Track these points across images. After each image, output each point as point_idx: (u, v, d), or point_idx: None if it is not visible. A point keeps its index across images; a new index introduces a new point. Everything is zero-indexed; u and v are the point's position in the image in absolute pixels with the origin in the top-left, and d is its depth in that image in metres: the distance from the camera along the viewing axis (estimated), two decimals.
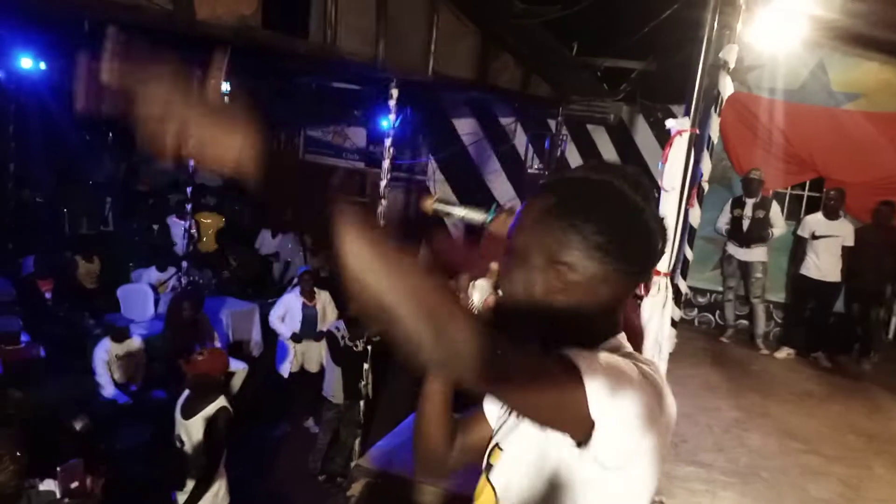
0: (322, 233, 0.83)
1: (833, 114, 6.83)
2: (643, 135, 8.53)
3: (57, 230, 9.75)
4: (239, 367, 6.48)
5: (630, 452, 0.98)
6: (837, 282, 6.62)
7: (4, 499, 2.37)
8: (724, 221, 7.03)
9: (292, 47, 4.64)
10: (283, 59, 5.51)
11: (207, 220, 9.91)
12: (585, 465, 0.98)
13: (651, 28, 5.68)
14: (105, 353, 6.10)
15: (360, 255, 0.81)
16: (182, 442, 4.20)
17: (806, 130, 6.91)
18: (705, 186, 3.68)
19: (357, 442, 5.91)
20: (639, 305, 3.18)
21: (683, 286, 3.70)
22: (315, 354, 6.86)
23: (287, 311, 6.94)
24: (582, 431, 0.94)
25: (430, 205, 1.72)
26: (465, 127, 9.56)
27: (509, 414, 1.21)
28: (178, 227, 9.31)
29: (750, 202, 6.79)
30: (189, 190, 7.87)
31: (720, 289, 7.34)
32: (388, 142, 5.72)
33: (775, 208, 6.80)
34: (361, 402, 5.88)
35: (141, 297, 7.80)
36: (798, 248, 6.94)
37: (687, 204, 3.40)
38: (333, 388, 6.12)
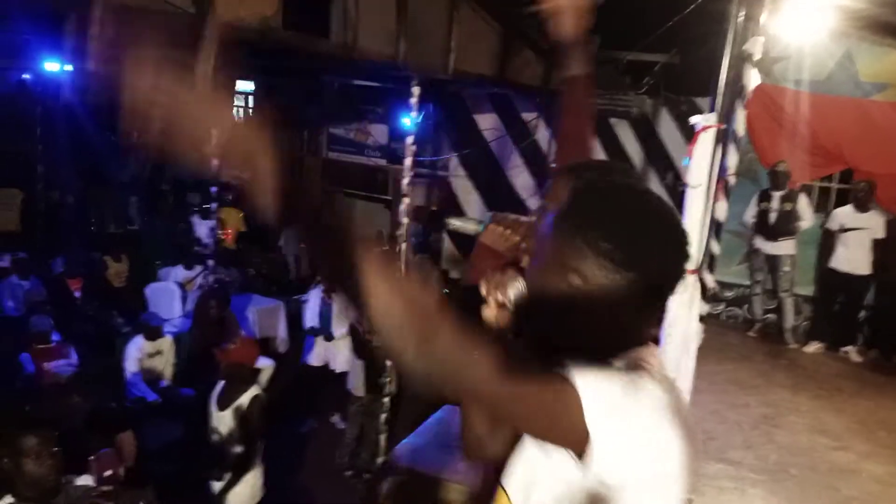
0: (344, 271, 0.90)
1: (861, 104, 6.70)
2: (667, 128, 8.44)
3: (85, 230, 9.90)
4: (266, 364, 6.53)
5: (633, 472, 0.95)
6: (868, 275, 6.52)
7: (44, 493, 2.43)
8: (750, 215, 6.93)
9: (314, 47, 4.66)
10: (306, 59, 5.54)
11: (228, 215, 10.00)
12: (587, 480, 0.96)
13: (675, 21, 5.62)
14: (137, 351, 6.19)
15: (381, 297, 0.88)
16: (218, 433, 4.26)
17: (833, 122, 6.79)
18: (731, 180, 3.64)
19: (383, 438, 5.94)
20: None
21: (710, 281, 3.66)
22: (341, 354, 6.89)
23: (311, 305, 7.02)
24: (580, 446, 0.93)
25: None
26: (487, 123, 9.53)
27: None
28: (202, 226, 9.41)
29: (777, 195, 6.70)
30: (213, 189, 7.92)
31: (748, 283, 7.25)
32: (409, 139, 5.72)
33: (803, 201, 6.70)
34: (386, 399, 5.90)
35: (168, 295, 7.90)
36: (827, 241, 6.84)
37: (714, 198, 3.36)
38: (356, 382, 6.18)
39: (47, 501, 2.45)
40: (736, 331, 7.23)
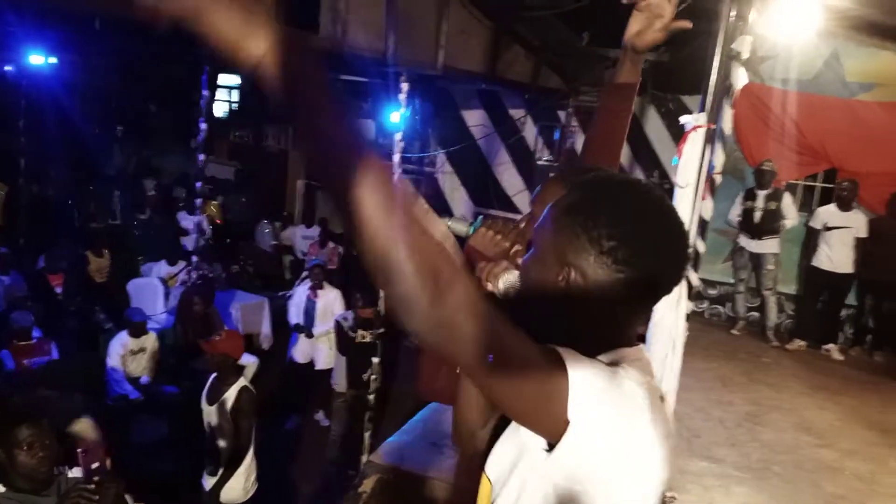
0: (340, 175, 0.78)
1: (847, 104, 6.75)
2: (654, 126, 8.46)
3: (67, 224, 9.80)
4: (249, 361, 6.49)
5: (606, 466, 0.93)
6: (850, 273, 6.57)
7: (38, 484, 2.44)
8: (735, 213, 6.97)
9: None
10: None
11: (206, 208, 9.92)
12: (553, 471, 0.95)
13: None
14: (121, 347, 6.12)
15: (376, 204, 0.77)
16: (211, 428, 4.24)
17: (819, 121, 6.84)
18: (717, 179, 3.65)
19: (367, 435, 5.92)
20: None
21: (695, 279, 3.68)
22: (325, 352, 6.86)
23: (296, 301, 6.99)
24: (555, 431, 0.91)
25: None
26: (475, 119, 9.52)
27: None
28: (187, 221, 9.33)
29: (762, 194, 6.74)
30: (199, 184, 7.85)
31: (731, 281, 7.29)
32: (397, 135, 5.69)
33: (787, 200, 6.75)
34: (371, 396, 5.88)
35: (151, 291, 7.83)
36: (810, 239, 6.90)
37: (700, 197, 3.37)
38: (339, 377, 6.16)
39: (40, 493, 2.45)
40: (719, 328, 7.28)
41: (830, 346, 6.69)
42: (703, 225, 3.54)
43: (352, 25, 4.77)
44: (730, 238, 7.19)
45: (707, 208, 3.52)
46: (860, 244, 6.45)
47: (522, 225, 1.62)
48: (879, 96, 6.64)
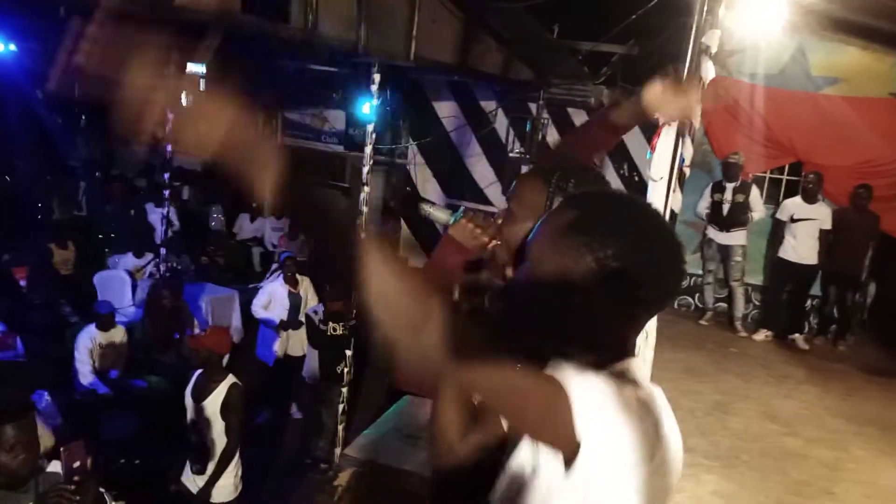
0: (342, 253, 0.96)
1: (812, 98, 6.88)
2: None
3: (31, 217, 9.57)
4: None
5: (616, 481, 0.94)
6: (815, 265, 6.71)
7: (16, 481, 2.43)
8: (704, 206, 7.07)
9: (273, 32, 4.56)
10: (264, 44, 5.41)
11: None
12: (569, 489, 0.95)
13: (638, 13, 5.66)
14: (90, 341, 5.98)
15: (377, 282, 0.92)
16: (197, 426, 4.16)
17: (786, 115, 6.95)
18: (686, 172, 3.69)
19: (341, 428, 5.90)
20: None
21: None
22: (298, 339, 6.82)
23: (272, 299, 6.87)
24: (569, 450, 0.92)
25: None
26: (447, 111, 9.49)
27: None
28: (154, 213, 9.18)
29: (730, 186, 6.83)
30: (166, 175, 7.73)
31: (700, 272, 7.39)
32: (370, 127, 5.65)
33: (755, 192, 6.86)
34: (344, 389, 5.86)
35: (118, 284, 7.69)
36: (777, 231, 7.02)
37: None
38: (312, 370, 6.12)
39: (17, 489, 2.43)
40: (688, 319, 7.37)
41: (796, 335, 6.83)
42: (672, 218, 3.58)
43: (322, 16, 4.71)
44: (698, 230, 7.29)
45: (676, 201, 3.55)
46: (825, 236, 6.58)
47: (500, 221, 1.62)
48: (844, 91, 6.77)
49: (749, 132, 7.09)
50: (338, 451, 5.45)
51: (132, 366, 6.33)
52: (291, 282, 6.92)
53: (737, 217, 6.83)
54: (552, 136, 8.86)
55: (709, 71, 3.66)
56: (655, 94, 1.70)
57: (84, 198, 10.46)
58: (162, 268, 7.83)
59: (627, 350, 1.10)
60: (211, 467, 4.13)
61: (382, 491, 3.85)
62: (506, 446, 1.18)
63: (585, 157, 1.77)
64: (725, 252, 7.03)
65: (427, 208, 1.79)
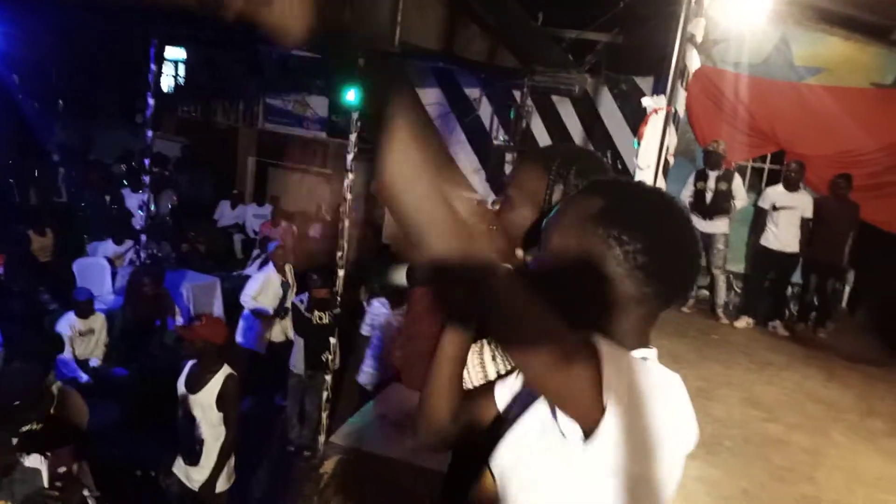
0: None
1: (795, 88, 6.92)
2: (608, 106, 8.54)
3: (8, 203, 9.42)
4: None
5: (633, 458, 0.93)
6: (796, 252, 6.76)
7: None
8: (687, 194, 7.09)
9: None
10: (248, 29, 5.33)
11: None
12: (587, 463, 0.94)
13: (619, 2, 5.66)
14: (69, 329, 5.91)
15: (407, 164, 0.86)
16: (192, 417, 4.10)
17: (768, 104, 7.00)
18: (671, 160, 3.71)
19: (325, 415, 5.89)
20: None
21: None
22: (280, 326, 6.79)
23: (264, 288, 6.80)
24: (591, 418, 0.90)
25: None
26: (431, 97, 9.45)
27: (517, 401, 1.19)
28: (133, 199, 9.08)
29: (713, 175, 6.87)
30: (146, 161, 7.63)
31: None
32: (355, 115, 5.61)
33: (737, 181, 6.90)
34: (328, 376, 5.85)
35: (97, 272, 7.61)
36: (759, 219, 7.07)
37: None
38: (297, 359, 6.10)
39: None
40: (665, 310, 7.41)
41: (777, 322, 6.90)
42: None
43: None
44: None
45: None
46: (806, 224, 6.64)
47: (497, 207, 1.60)
48: (826, 80, 6.83)
49: (732, 121, 7.13)
50: (322, 438, 5.44)
51: (113, 354, 6.28)
52: (282, 271, 6.89)
53: (719, 205, 6.86)
54: (536, 123, 8.87)
55: (694, 60, 3.69)
56: None
57: (63, 184, 10.31)
58: (142, 255, 7.76)
59: (645, 341, 1.09)
60: (205, 459, 4.06)
61: (368, 479, 3.85)
62: (500, 427, 1.18)
63: None
64: (708, 240, 7.07)
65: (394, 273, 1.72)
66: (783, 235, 6.72)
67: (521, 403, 1.17)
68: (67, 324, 5.94)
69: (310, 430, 6.10)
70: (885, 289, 7.08)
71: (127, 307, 6.59)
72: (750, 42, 6.74)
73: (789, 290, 7.16)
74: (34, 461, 2.39)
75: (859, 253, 6.93)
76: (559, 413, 0.96)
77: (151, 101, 7.20)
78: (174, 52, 12.78)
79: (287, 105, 11.17)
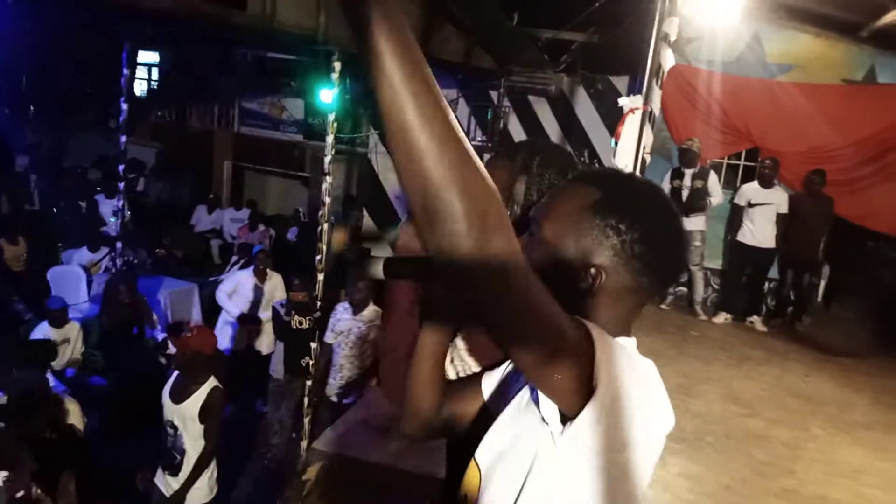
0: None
1: (768, 85, 7.00)
2: (584, 106, 8.58)
3: None
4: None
5: (614, 442, 0.92)
6: (772, 248, 6.83)
7: None
8: None
9: (230, 18, 4.46)
10: (221, 31, 5.29)
11: None
12: (568, 447, 0.93)
13: (595, 2, 5.69)
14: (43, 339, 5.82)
15: (432, 133, 0.69)
16: (174, 427, 4.03)
17: (742, 102, 7.07)
18: (647, 158, 3.73)
19: (307, 421, 5.85)
20: None
21: None
22: (265, 336, 6.73)
23: (237, 289, 6.76)
24: (577, 399, 0.89)
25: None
26: None
27: (505, 385, 1.19)
28: (107, 206, 8.96)
29: (689, 172, 6.91)
30: (121, 167, 7.53)
31: None
32: (331, 116, 5.58)
33: (713, 178, 6.95)
34: (308, 382, 5.81)
35: (72, 280, 7.50)
36: (735, 216, 7.12)
37: None
38: (277, 364, 6.06)
39: None
40: (648, 303, 7.45)
41: (754, 318, 6.97)
42: None
43: (281, 2, 4.63)
44: None
45: None
46: (781, 220, 6.71)
47: None
48: (797, 78, 6.91)
49: (706, 119, 7.19)
50: (304, 444, 5.40)
51: (90, 363, 6.19)
52: (261, 276, 6.82)
53: (695, 202, 6.91)
54: (513, 124, 8.88)
55: (668, 58, 3.71)
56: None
57: (35, 191, 10.15)
58: (118, 262, 7.66)
59: (628, 331, 1.09)
60: (185, 469, 4.00)
61: (351, 484, 3.82)
62: (484, 419, 1.17)
63: None
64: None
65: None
66: (759, 231, 6.78)
67: (504, 395, 1.17)
68: (42, 334, 5.84)
69: (292, 436, 6.05)
70: (860, 282, 7.19)
71: (103, 315, 6.49)
72: (723, 40, 6.80)
73: (766, 285, 7.24)
74: None
75: (834, 247, 7.02)
76: (541, 398, 0.95)
77: (125, 106, 7.11)
78: (147, 56, 12.66)
79: (263, 108, 11.09)
